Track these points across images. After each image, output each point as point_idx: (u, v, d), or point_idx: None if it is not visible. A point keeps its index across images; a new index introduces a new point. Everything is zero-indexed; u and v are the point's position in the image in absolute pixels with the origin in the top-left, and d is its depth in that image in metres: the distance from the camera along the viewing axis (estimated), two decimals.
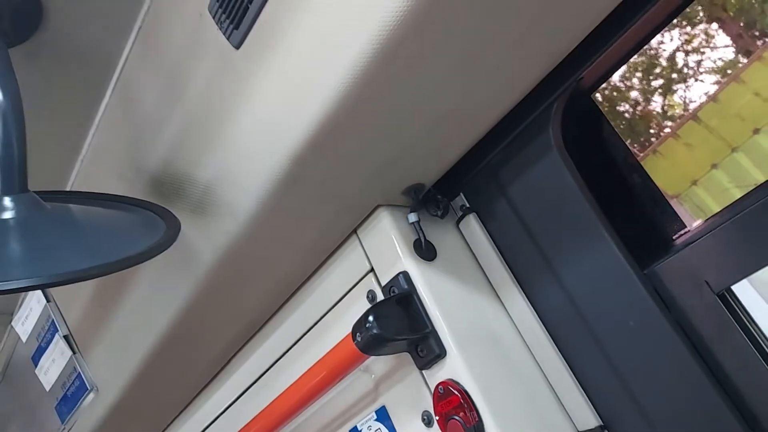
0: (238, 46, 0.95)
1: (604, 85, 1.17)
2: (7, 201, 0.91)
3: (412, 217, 1.13)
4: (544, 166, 1.06)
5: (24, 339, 1.82)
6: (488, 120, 1.02)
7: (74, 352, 1.65)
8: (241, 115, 0.98)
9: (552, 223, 1.07)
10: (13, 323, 1.87)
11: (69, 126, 1.30)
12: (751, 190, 0.92)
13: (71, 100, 1.24)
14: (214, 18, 0.97)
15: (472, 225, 1.16)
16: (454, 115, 0.97)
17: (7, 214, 0.90)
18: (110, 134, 1.27)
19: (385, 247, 1.12)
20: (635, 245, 1.00)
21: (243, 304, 1.33)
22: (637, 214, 1.09)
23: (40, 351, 1.77)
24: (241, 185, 1.04)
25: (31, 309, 1.77)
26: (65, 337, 1.67)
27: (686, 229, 1.01)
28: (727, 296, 0.91)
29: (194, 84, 1.04)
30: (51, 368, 1.74)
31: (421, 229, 1.12)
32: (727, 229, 0.91)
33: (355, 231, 1.18)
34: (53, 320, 1.67)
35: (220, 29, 0.96)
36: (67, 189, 1.46)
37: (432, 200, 1.16)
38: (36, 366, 1.79)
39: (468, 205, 1.18)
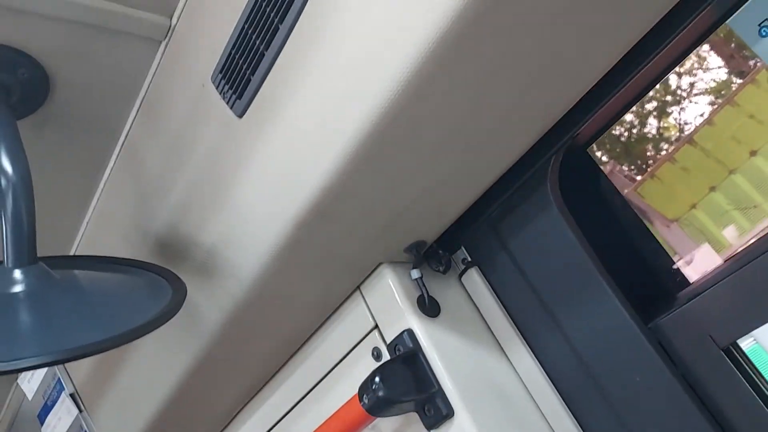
0: (241, 115, 0.97)
1: None
2: (17, 274, 0.92)
3: (415, 274, 1.14)
4: (543, 220, 1.08)
5: (30, 396, 1.82)
6: (486, 180, 1.04)
7: (81, 411, 1.65)
8: (245, 181, 1.00)
9: (554, 277, 1.08)
10: (18, 381, 1.87)
11: (74, 189, 1.33)
12: (752, 243, 0.93)
13: (76, 165, 1.27)
14: (216, 88, 0.99)
15: (475, 278, 1.17)
16: (453, 177, 0.99)
17: (18, 288, 0.91)
18: (115, 198, 1.29)
19: (389, 304, 1.13)
20: (638, 299, 1.00)
21: (247, 362, 1.34)
22: (638, 267, 1.10)
23: (46, 409, 1.77)
24: (245, 249, 1.05)
25: None
26: (71, 396, 1.67)
27: (689, 282, 1.02)
28: (733, 350, 0.92)
29: (198, 150, 1.07)
30: (57, 426, 1.74)
31: (424, 285, 1.13)
32: (731, 283, 0.92)
33: (358, 288, 1.19)
34: (59, 378, 1.67)
35: (223, 99, 0.99)
36: (73, 250, 1.47)
37: (434, 255, 1.18)
38: (42, 424, 1.79)
39: (469, 259, 1.19)
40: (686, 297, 0.97)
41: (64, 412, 1.70)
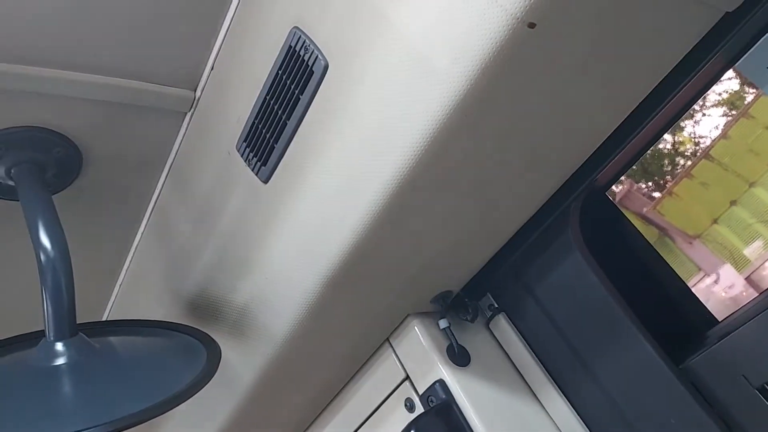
0: (266, 181, 1.01)
1: None
2: (59, 346, 0.95)
3: (443, 323, 1.15)
4: (567, 265, 1.09)
5: None
6: (509, 230, 1.06)
7: None
8: (272, 244, 1.03)
9: (581, 321, 1.08)
10: None
11: (106, 255, 1.37)
12: None
13: (108, 232, 1.31)
14: (242, 155, 1.03)
15: (502, 325, 1.18)
16: (476, 230, 1.01)
17: (60, 360, 0.94)
18: (146, 261, 1.33)
19: (419, 354, 1.14)
20: (667, 339, 1.01)
21: (281, 416, 1.35)
22: (664, 306, 1.10)
23: None
24: (276, 309, 1.08)
25: None
26: None
27: (717, 320, 1.03)
28: None
29: (226, 215, 1.10)
30: None
31: (452, 334, 1.14)
32: (762, 321, 0.92)
33: (387, 340, 1.21)
34: None
35: (248, 166, 1.02)
36: (106, 313, 1.51)
37: (461, 304, 1.19)
38: None
39: (496, 305, 1.20)
40: (716, 336, 0.97)
41: None
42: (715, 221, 1.43)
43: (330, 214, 0.93)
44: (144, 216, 1.28)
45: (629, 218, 1.15)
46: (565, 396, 1.09)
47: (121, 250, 1.35)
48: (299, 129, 0.93)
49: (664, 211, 1.54)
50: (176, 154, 1.17)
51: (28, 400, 0.90)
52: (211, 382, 1.14)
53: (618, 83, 0.85)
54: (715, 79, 0.97)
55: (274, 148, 0.97)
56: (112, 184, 1.17)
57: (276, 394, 1.26)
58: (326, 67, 0.86)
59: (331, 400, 1.34)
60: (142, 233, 1.31)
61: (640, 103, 0.93)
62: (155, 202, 1.24)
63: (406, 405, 1.16)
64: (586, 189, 1.07)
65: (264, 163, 1.00)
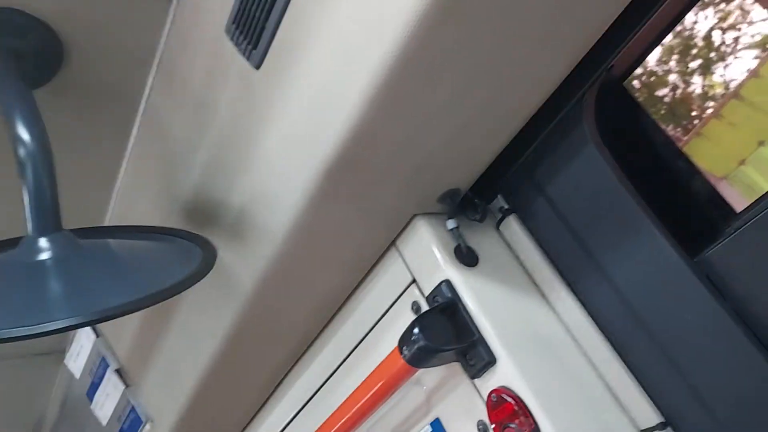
0: (258, 66, 0.94)
1: (640, 71, 1.14)
2: (43, 242, 0.91)
3: (451, 224, 1.10)
4: (581, 160, 1.03)
5: (77, 375, 1.85)
6: (517, 120, 0.99)
7: (127, 385, 1.67)
8: (268, 135, 0.97)
9: (594, 217, 1.03)
10: (66, 360, 1.90)
11: (101, 160, 1.32)
12: None
13: (100, 134, 1.25)
14: (231, 40, 0.96)
15: (513, 226, 1.13)
16: (482, 116, 0.94)
17: (44, 255, 0.90)
18: (142, 165, 1.28)
19: (426, 256, 1.10)
20: (683, 233, 0.95)
21: (287, 324, 1.32)
22: (681, 201, 1.05)
23: (93, 386, 1.79)
24: (274, 206, 1.03)
25: (82, 345, 1.80)
26: (117, 371, 1.68)
27: (735, 213, 0.97)
28: None
29: (219, 108, 1.04)
30: (106, 403, 1.76)
31: (460, 234, 1.09)
32: None
33: (393, 242, 1.16)
34: (104, 355, 1.68)
35: (239, 51, 0.96)
36: (105, 223, 1.47)
37: (469, 204, 1.13)
38: (91, 401, 1.81)
39: (507, 206, 1.15)
40: (733, 228, 0.91)
41: (111, 388, 1.72)
42: (742, 162, 1.37)
43: (326, 97, 0.87)
44: (136, 116, 1.22)
45: (647, 110, 1.09)
46: (575, 295, 1.05)
47: (116, 155, 1.30)
48: (290, 4, 0.86)
49: (691, 152, 1.48)
50: (164, 45, 1.10)
51: (10, 296, 0.87)
52: (213, 288, 1.11)
53: None
54: None
55: (264, 27, 0.90)
56: (98, 79, 1.11)
57: (280, 300, 1.22)
58: None
59: (339, 309, 1.30)
60: (135, 136, 1.25)
61: None
62: (146, 101, 1.18)
63: (412, 308, 1.12)
64: (602, 76, 1.00)
65: (255, 47, 0.93)
